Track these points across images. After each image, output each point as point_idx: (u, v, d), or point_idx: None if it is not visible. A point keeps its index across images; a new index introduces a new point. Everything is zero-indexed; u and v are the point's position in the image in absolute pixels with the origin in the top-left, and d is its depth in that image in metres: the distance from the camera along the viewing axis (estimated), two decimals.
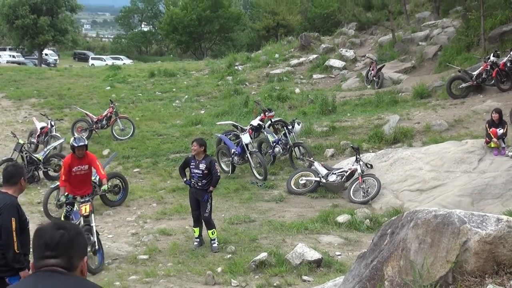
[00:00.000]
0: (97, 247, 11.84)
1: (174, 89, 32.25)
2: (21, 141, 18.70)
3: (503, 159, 16.59)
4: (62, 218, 12.36)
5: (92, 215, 12.07)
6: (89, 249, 11.33)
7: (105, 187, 13.22)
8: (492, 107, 18.93)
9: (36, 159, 18.23)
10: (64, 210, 12.80)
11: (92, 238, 11.63)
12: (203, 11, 56.31)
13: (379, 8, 38.99)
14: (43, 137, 20.98)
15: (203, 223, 13.21)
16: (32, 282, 3.24)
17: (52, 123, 21.68)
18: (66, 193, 12.49)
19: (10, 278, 7.32)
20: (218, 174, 13.65)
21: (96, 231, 12.12)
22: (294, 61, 34.70)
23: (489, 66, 22.64)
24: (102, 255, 12.05)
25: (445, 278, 6.20)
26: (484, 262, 6.23)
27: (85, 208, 11.88)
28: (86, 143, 12.82)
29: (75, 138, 13.18)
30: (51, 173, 18.61)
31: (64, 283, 3.20)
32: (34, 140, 21.09)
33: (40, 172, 18.55)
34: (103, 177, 13.12)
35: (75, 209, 12.78)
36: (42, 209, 15.47)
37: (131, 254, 12.68)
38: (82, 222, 11.92)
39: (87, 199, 12.27)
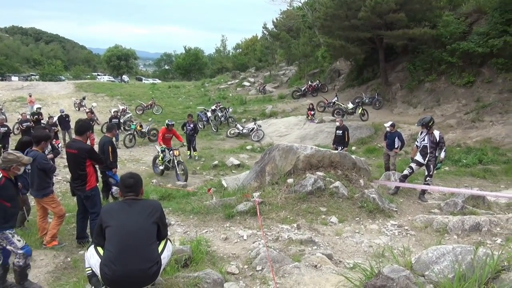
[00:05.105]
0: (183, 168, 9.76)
1: (179, 93, 30.72)
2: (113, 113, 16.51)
3: (313, 124, 16.84)
4: (160, 160, 10.25)
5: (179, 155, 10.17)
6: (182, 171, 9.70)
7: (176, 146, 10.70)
8: (309, 102, 19.11)
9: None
10: (162, 156, 10.22)
11: (181, 165, 9.80)
12: (191, 60, 54.10)
13: (265, 61, 38.41)
14: (121, 112, 19.20)
15: (192, 148, 12.87)
16: (125, 204, 2.84)
17: (126, 107, 20.09)
18: (163, 146, 10.27)
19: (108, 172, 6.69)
20: (198, 129, 13.46)
21: (180, 160, 9.95)
22: (230, 82, 33.59)
23: (308, 86, 22.81)
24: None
25: (290, 171, 6.16)
26: (305, 165, 6.22)
27: (178, 152, 10.04)
28: (173, 123, 10.66)
29: (169, 120, 10.80)
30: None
31: (140, 201, 2.86)
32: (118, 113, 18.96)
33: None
34: (180, 140, 10.95)
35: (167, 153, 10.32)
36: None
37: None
38: (174, 159, 9.93)
39: (175, 148, 10.21)
